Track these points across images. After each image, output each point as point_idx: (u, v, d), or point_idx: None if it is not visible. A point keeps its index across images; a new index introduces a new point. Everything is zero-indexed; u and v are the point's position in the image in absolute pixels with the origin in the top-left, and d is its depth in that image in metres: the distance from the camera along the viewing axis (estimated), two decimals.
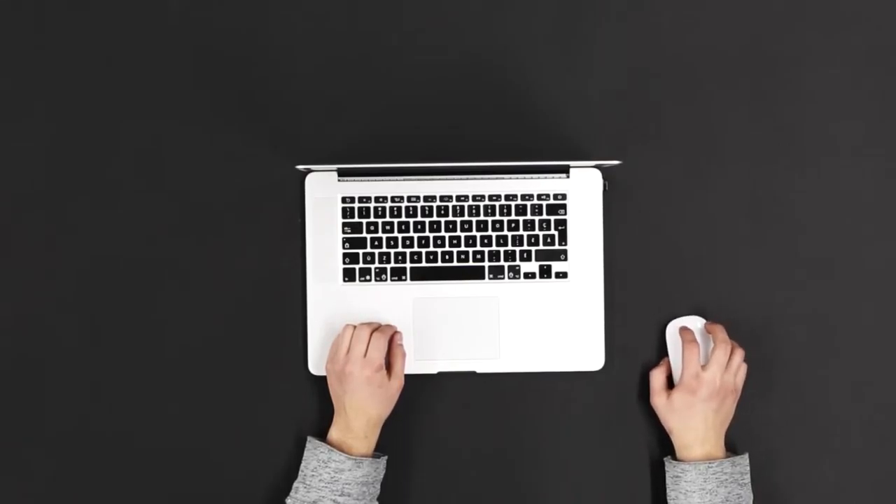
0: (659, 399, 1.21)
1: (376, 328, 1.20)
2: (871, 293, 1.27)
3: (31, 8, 1.27)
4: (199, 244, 1.26)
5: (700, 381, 1.17)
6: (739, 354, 1.20)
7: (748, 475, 1.20)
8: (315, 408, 1.26)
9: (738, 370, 1.20)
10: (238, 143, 1.27)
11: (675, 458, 1.20)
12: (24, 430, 1.26)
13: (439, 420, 1.26)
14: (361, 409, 1.18)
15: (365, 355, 1.17)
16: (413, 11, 1.28)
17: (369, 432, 1.19)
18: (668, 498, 1.20)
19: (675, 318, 1.26)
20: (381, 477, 1.20)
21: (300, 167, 1.20)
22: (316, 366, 1.25)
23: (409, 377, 1.24)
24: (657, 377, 1.22)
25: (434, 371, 1.25)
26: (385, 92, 1.27)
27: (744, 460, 1.20)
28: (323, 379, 1.24)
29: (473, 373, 1.26)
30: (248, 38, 1.28)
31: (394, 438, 1.21)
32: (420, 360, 1.25)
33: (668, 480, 1.19)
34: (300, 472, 1.18)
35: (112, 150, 1.27)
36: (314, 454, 1.18)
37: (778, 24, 1.28)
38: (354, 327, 1.19)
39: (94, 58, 1.27)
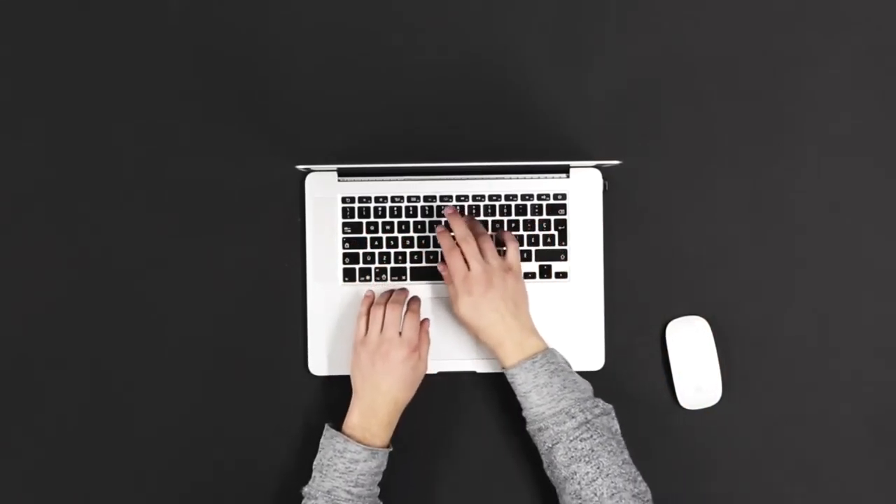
0: (455, 311, 1.19)
1: (404, 305, 1.19)
2: (870, 293, 1.27)
3: (31, 8, 1.27)
4: (199, 244, 1.26)
5: (469, 281, 1.17)
6: (485, 240, 1.19)
7: None
8: (315, 408, 1.26)
9: (503, 252, 1.20)
10: (238, 143, 1.27)
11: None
12: (24, 430, 1.26)
13: (439, 420, 1.26)
14: (390, 391, 1.16)
15: (400, 335, 1.17)
16: (413, 11, 1.28)
17: (393, 419, 1.18)
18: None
19: (675, 318, 1.26)
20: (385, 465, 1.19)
21: (300, 167, 1.20)
22: (316, 366, 1.25)
23: None
24: (451, 289, 1.20)
25: (434, 371, 1.25)
26: (385, 92, 1.27)
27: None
28: (323, 378, 1.24)
29: (473, 373, 1.26)
30: (248, 38, 1.28)
31: (394, 438, 1.21)
32: None
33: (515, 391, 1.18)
34: (317, 460, 1.17)
35: (112, 150, 1.27)
36: (330, 443, 1.16)
37: (778, 24, 1.28)
38: (384, 305, 1.18)
39: (94, 58, 1.27)
